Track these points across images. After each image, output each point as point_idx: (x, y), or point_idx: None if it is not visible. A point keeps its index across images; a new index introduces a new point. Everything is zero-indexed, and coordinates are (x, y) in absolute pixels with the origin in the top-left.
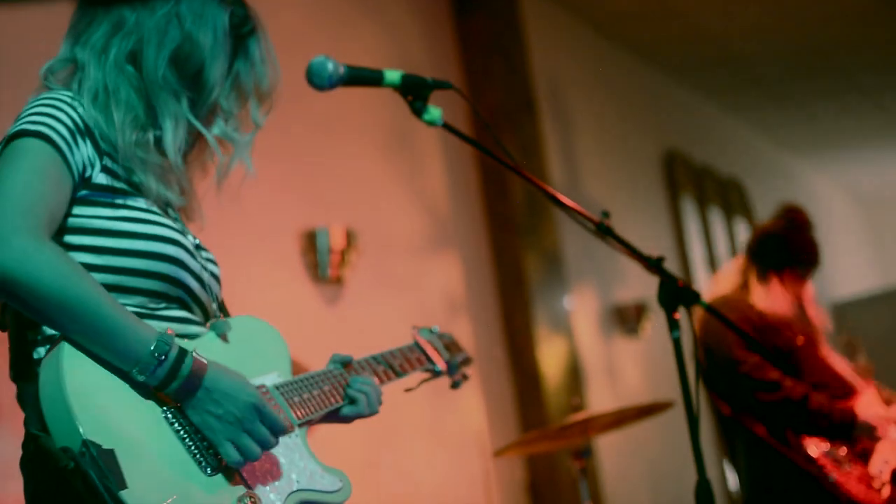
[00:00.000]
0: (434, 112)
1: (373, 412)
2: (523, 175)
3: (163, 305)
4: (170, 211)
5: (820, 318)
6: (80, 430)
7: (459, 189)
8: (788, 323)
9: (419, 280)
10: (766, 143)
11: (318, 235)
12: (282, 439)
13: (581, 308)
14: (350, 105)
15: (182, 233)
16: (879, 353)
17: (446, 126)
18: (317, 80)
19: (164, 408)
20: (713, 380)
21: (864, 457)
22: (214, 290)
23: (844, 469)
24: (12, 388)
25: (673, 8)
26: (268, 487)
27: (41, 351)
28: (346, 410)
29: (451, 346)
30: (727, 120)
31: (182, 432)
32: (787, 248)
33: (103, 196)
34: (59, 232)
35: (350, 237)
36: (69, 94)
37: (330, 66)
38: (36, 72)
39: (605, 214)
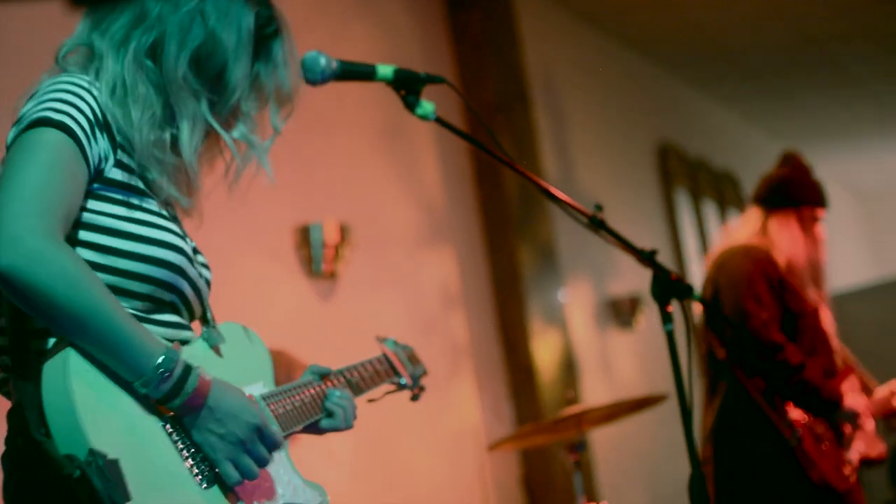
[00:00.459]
0: (427, 106)
1: (348, 426)
2: (516, 169)
3: (156, 308)
4: (170, 210)
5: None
6: (89, 439)
7: (453, 183)
8: (803, 289)
9: (413, 274)
10: (760, 135)
11: (312, 230)
12: None
13: (575, 301)
14: (343, 100)
15: (183, 237)
16: (874, 344)
17: (439, 120)
18: (310, 75)
19: (164, 419)
20: (716, 321)
21: (839, 440)
22: (205, 296)
23: (819, 445)
24: None
25: (666, 0)
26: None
27: (40, 343)
28: (324, 423)
29: (412, 358)
30: (721, 112)
31: (180, 444)
32: (797, 186)
33: (116, 192)
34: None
35: (344, 232)
36: (87, 80)
37: (322, 60)
38: (35, 67)
39: (598, 207)
